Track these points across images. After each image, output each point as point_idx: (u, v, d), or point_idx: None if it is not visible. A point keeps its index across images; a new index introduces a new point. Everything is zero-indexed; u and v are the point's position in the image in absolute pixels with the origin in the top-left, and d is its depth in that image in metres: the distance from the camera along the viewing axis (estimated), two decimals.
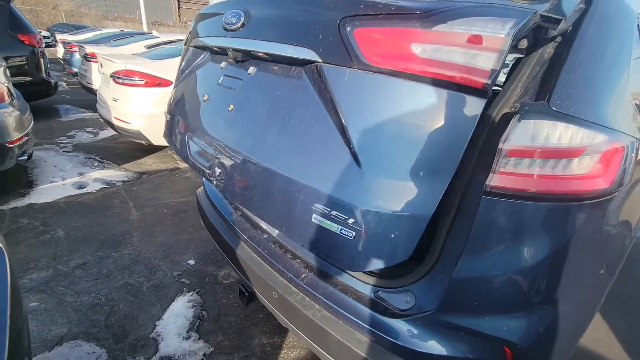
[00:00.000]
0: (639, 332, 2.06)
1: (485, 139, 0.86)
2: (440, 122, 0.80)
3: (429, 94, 0.81)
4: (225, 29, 1.25)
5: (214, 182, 1.24)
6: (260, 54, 1.16)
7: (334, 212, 0.87)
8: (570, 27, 1.05)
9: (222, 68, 1.35)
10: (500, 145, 0.76)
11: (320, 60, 0.97)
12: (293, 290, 1.14)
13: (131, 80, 3.53)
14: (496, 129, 0.85)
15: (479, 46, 0.76)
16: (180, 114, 1.56)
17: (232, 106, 1.21)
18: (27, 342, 1.06)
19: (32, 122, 3.20)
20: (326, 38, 0.96)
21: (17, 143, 2.72)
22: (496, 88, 0.91)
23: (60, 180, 3.31)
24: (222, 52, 1.35)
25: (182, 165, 4.06)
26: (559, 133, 0.78)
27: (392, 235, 0.83)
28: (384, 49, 0.87)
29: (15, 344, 0.88)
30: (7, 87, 2.90)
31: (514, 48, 0.88)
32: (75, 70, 7.24)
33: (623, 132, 0.90)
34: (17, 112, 2.86)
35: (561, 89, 0.83)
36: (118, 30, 9.67)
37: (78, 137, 4.69)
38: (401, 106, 0.85)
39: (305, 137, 0.97)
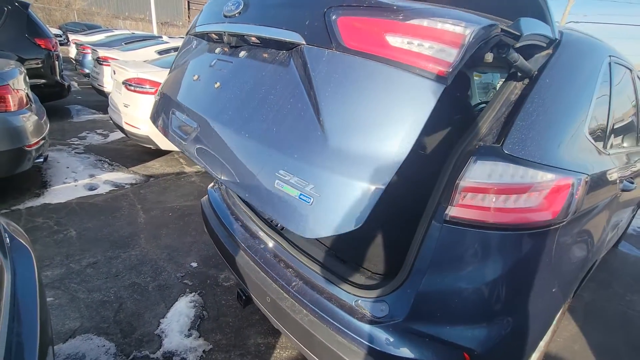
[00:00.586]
0: (614, 345, 2.19)
1: (450, 174, 1.00)
2: (402, 101, 0.90)
3: (396, 77, 0.91)
4: (225, 16, 1.39)
5: (194, 153, 1.31)
6: (253, 39, 1.27)
7: (295, 179, 0.94)
8: (536, 72, 1.20)
9: (215, 53, 1.47)
10: (457, 182, 0.91)
11: (304, 42, 1.09)
12: (284, 296, 1.29)
13: (142, 87, 3.71)
14: (460, 165, 0.99)
15: (444, 40, 0.86)
16: (169, 92, 1.65)
17: (218, 84, 1.33)
18: (50, 332, 1.21)
19: (48, 125, 3.38)
20: (312, 23, 1.09)
21: (35, 147, 2.90)
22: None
23: (73, 182, 3.49)
24: (219, 39, 1.47)
25: (188, 169, 4.23)
26: (509, 173, 0.92)
27: (347, 203, 0.88)
28: (361, 35, 0.99)
29: (43, 332, 1.03)
30: (26, 92, 3.09)
31: (480, 60, 0.99)
32: (87, 71, 7.47)
33: (572, 169, 1.04)
34: (35, 117, 3.04)
35: (515, 134, 0.97)
36: (129, 32, 9.91)
37: (89, 139, 4.88)
38: (369, 84, 0.95)
39: (280, 110, 1.08)
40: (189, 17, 33.32)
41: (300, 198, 0.92)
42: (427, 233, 0.98)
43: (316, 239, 1.53)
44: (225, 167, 1.17)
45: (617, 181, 1.46)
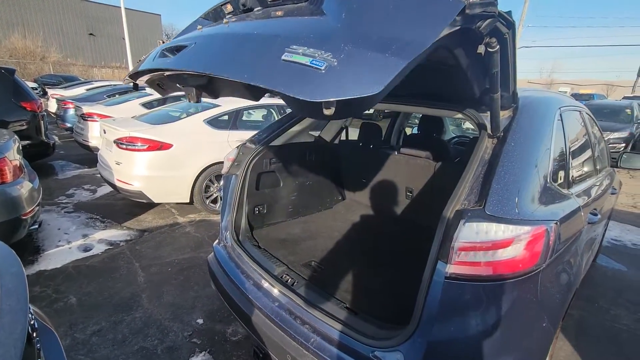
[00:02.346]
0: None
1: (444, 231, 1.18)
2: None
3: None
4: None
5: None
6: None
7: (307, 50, 0.90)
8: (501, 133, 1.43)
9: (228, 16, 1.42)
10: (452, 243, 1.08)
11: None
12: (304, 353, 1.38)
13: (134, 145, 3.82)
14: (452, 222, 1.17)
15: None
16: None
17: (227, 21, 1.31)
18: None
19: (41, 190, 3.40)
20: None
21: (31, 214, 2.92)
22: None
23: (66, 244, 3.47)
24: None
25: (181, 219, 4.27)
26: (492, 230, 1.10)
27: (364, 70, 0.85)
28: None
29: None
30: (20, 161, 3.14)
31: None
32: (69, 125, 7.50)
33: (544, 219, 1.24)
34: (30, 184, 3.07)
35: (493, 195, 1.16)
36: (108, 84, 10.09)
37: (77, 196, 4.86)
38: None
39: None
40: None
41: (312, 64, 0.86)
42: (431, 287, 1.13)
43: (327, 292, 1.64)
44: (223, 59, 1.12)
45: (583, 216, 1.68)
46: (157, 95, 7.02)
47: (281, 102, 5.74)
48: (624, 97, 18.59)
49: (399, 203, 2.63)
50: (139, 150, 3.83)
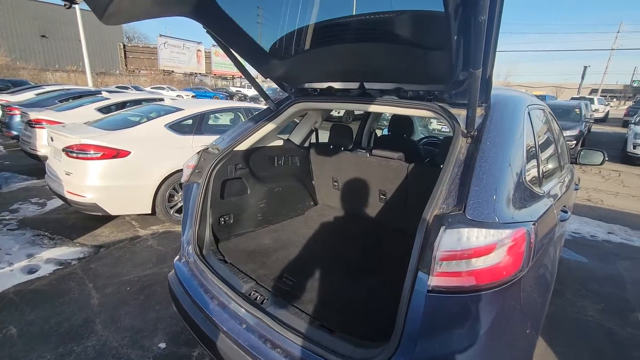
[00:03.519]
0: (579, 355, 2.37)
1: (424, 238, 1.09)
2: None
3: None
4: None
5: None
6: None
7: None
8: (476, 132, 1.37)
9: None
10: (434, 253, 0.99)
11: None
12: None
13: (86, 154, 3.49)
14: (431, 229, 1.08)
15: None
16: None
17: None
18: None
19: None
20: None
21: None
22: None
23: (7, 266, 3.08)
24: None
25: (142, 232, 3.97)
26: (475, 237, 1.02)
27: None
28: None
29: None
30: None
31: None
32: (16, 133, 6.85)
33: (521, 221, 1.18)
34: None
35: (473, 199, 1.09)
36: (60, 88, 9.37)
37: (23, 211, 4.39)
38: None
39: None
40: (126, 65, 32.50)
41: None
42: (412, 301, 1.04)
43: (300, 309, 1.51)
44: None
45: (555, 214, 1.67)
46: (115, 99, 6.59)
47: (249, 105, 5.54)
48: (572, 98, 20.01)
49: (373, 207, 2.55)
50: (91, 158, 3.51)
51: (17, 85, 15.66)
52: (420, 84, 1.61)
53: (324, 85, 1.99)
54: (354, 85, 1.87)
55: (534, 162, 1.65)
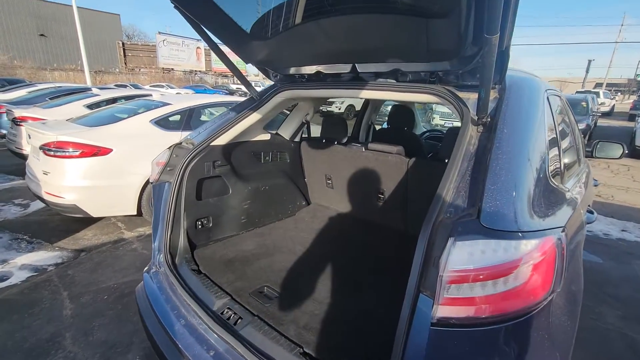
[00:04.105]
0: None
1: (425, 251, 0.84)
2: None
3: None
4: None
5: None
6: None
7: None
8: (489, 119, 1.11)
9: None
10: (440, 273, 0.75)
11: None
12: None
13: (64, 152, 3.26)
14: (435, 240, 0.84)
15: None
16: None
17: None
18: None
19: None
20: None
21: None
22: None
23: None
24: None
25: (128, 234, 3.75)
26: (492, 250, 0.78)
27: None
28: None
29: None
30: None
31: None
32: (4, 132, 6.64)
33: (549, 227, 0.93)
34: None
35: (489, 201, 0.84)
36: (53, 86, 9.15)
37: (4, 212, 4.18)
38: None
39: None
40: (125, 63, 32.29)
41: None
42: (411, 335, 0.79)
43: (280, 331, 1.27)
44: None
45: (582, 215, 1.42)
46: (105, 96, 6.37)
47: (242, 100, 5.29)
48: (577, 92, 19.62)
49: (370, 207, 2.31)
50: (70, 157, 3.28)
51: (12, 84, 15.47)
52: (422, 62, 1.36)
53: (312, 69, 1.74)
54: (345, 68, 1.62)
55: (555, 155, 1.40)
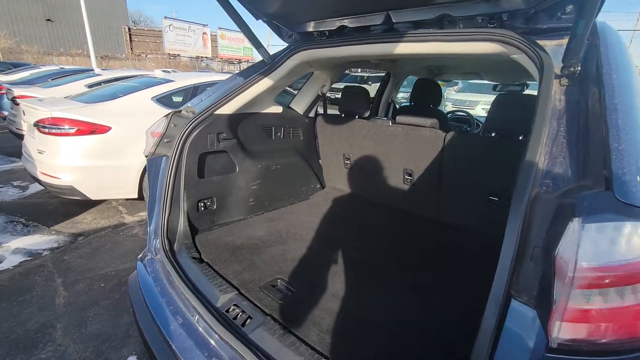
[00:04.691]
0: None
1: (520, 241, 0.57)
2: None
3: None
4: None
5: None
6: None
7: None
8: (579, 68, 0.83)
9: None
10: (569, 272, 0.48)
11: None
12: None
13: (59, 129, 3.03)
14: (532, 218, 0.57)
15: None
16: None
17: None
18: None
19: None
20: None
21: None
22: None
23: None
24: None
25: (129, 218, 3.54)
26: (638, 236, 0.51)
27: None
28: None
29: None
30: None
31: None
32: (5, 113, 6.46)
33: None
34: None
35: (621, 167, 0.57)
36: (57, 67, 8.93)
37: (1, 195, 4.00)
38: None
39: None
40: (131, 49, 31.98)
41: None
42: None
43: (298, 335, 1.03)
44: None
45: None
46: (107, 76, 6.12)
47: None
48: None
49: (395, 190, 2.03)
50: (65, 134, 3.05)
51: (18, 67, 15.31)
52: (480, 3, 1.07)
53: (334, 24, 1.46)
54: (375, 19, 1.33)
55: None
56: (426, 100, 2.60)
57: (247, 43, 36.10)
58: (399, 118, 1.86)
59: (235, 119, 1.77)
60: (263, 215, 1.97)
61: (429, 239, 1.75)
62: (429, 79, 2.69)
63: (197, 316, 1.10)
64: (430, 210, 1.91)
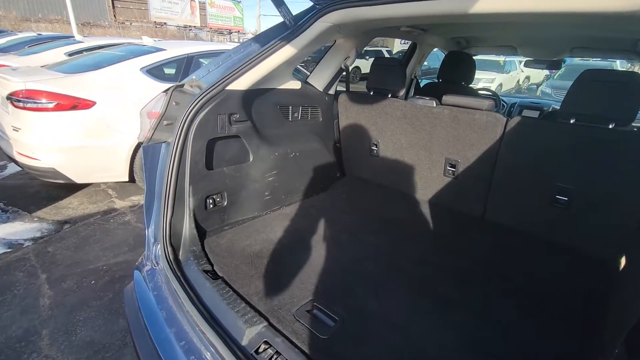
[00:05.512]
0: None
1: None
2: None
3: None
4: None
5: None
6: None
7: None
8: None
9: None
10: None
11: None
12: None
13: (36, 103, 2.65)
14: None
15: None
16: None
17: None
18: None
19: None
20: None
21: None
22: None
23: None
24: None
25: (120, 203, 3.24)
26: None
27: None
28: None
29: None
30: None
31: None
32: None
33: None
34: None
35: None
36: (35, 34, 8.21)
37: None
38: None
39: None
40: (114, 15, 30.15)
41: None
42: None
43: None
44: None
45: None
46: (90, 43, 5.58)
47: None
48: None
49: (434, 184, 1.76)
50: (43, 109, 2.67)
51: None
52: None
53: None
54: None
55: None
56: (457, 77, 2.29)
57: (237, 12, 34.32)
58: (446, 98, 1.56)
59: (250, 96, 1.45)
60: (279, 211, 1.69)
61: (480, 243, 1.50)
62: (462, 52, 2.37)
63: (217, 356, 0.85)
64: (474, 206, 1.65)
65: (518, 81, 14.50)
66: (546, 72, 16.31)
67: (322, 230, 1.54)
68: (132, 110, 2.98)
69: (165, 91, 1.23)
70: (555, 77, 11.18)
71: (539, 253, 1.41)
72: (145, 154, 1.27)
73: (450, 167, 1.65)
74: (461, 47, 2.72)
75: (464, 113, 1.49)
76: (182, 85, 1.26)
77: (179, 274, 1.11)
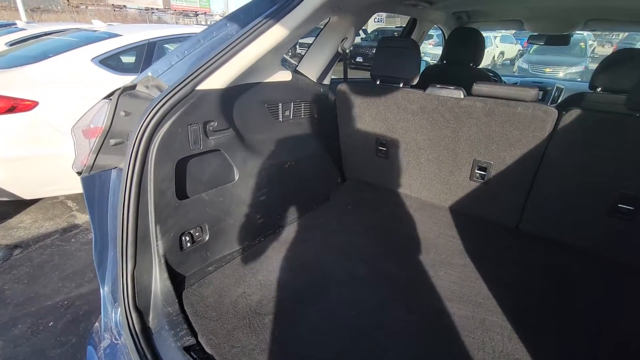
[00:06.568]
0: None
1: None
2: None
3: None
4: None
5: None
6: None
7: None
8: None
9: None
10: None
11: None
12: None
13: None
14: None
15: None
16: None
17: None
18: None
19: None
20: None
21: None
22: None
23: None
24: None
25: (82, 218, 2.81)
26: None
27: None
28: None
29: None
30: None
31: None
32: None
33: None
34: None
35: None
36: None
37: None
38: None
39: None
40: (68, 0, 27.72)
41: None
42: None
43: None
44: None
45: None
46: (34, 30, 4.88)
47: None
48: None
49: (458, 189, 1.47)
50: None
51: None
52: None
53: None
54: None
55: None
56: (466, 57, 2.00)
57: None
58: (478, 87, 1.27)
59: (230, 96, 1.10)
60: (276, 235, 1.37)
61: (516, 260, 1.25)
62: (470, 28, 2.07)
63: None
64: (507, 214, 1.40)
65: (493, 57, 14.46)
66: (519, 47, 16.39)
67: (330, 259, 1.24)
68: (85, 109, 2.52)
69: (108, 96, 0.86)
70: (531, 52, 11.15)
71: (592, 274, 1.18)
72: (87, 187, 0.92)
73: (479, 170, 1.37)
74: (462, 22, 2.42)
75: (501, 106, 1.21)
76: (134, 87, 0.89)
77: (148, 355, 0.79)
